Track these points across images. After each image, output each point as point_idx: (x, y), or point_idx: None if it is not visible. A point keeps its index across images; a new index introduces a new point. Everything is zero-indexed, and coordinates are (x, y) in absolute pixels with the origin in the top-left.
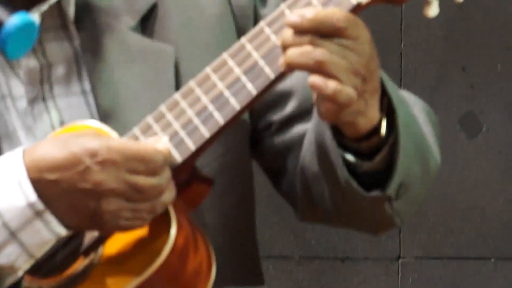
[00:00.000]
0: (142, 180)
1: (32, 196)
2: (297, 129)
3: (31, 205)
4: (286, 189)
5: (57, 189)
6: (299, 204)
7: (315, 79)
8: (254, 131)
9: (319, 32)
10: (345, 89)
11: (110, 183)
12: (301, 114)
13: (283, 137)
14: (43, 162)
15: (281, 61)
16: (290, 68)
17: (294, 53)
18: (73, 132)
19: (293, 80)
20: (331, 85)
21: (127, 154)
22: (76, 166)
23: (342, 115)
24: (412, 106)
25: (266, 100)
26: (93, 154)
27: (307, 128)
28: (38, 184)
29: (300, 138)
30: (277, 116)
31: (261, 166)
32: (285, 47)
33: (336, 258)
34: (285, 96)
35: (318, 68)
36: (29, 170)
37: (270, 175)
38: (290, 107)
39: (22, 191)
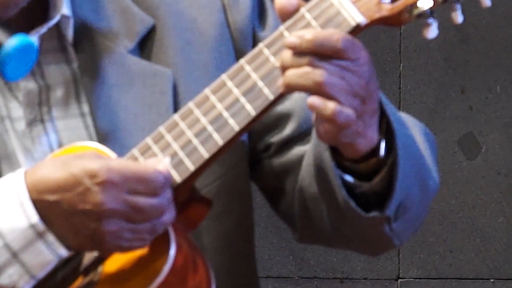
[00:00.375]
0: (143, 201)
1: (34, 217)
2: (296, 150)
3: (32, 226)
4: (284, 210)
5: (58, 210)
6: (298, 225)
7: (314, 100)
8: (253, 152)
9: (318, 53)
10: (344, 110)
11: (110, 204)
12: (300, 136)
13: (281, 159)
14: (44, 183)
15: (280, 82)
16: (289, 89)
17: (293, 74)
18: (74, 153)
19: (292, 102)
20: (330, 106)
21: (127, 175)
22: (76, 187)
23: (341, 136)
24: (411, 127)
25: (265, 121)
26: (93, 175)
27: (305, 150)
28: (39, 205)
29: (299, 160)
30: (276, 137)
31: (259, 187)
32: (284, 68)
33: (335, 279)
34: (284, 118)
35: (317, 89)
36: (31, 191)
37: (268, 196)
38: (289, 129)
39: (24, 212)
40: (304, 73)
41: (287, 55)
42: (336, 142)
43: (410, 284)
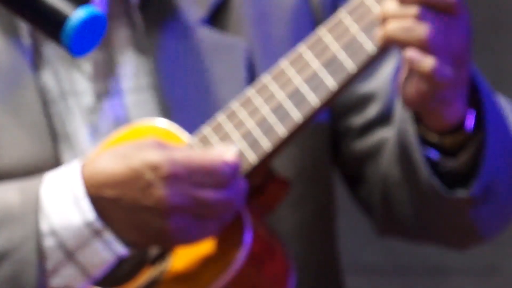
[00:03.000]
0: (209, 195)
1: (90, 214)
2: (378, 134)
3: (89, 224)
4: (364, 197)
5: (118, 206)
6: (378, 215)
7: (413, 53)
8: (334, 135)
9: (428, 4)
10: (442, 69)
11: (175, 199)
12: (383, 119)
13: (362, 143)
14: (102, 178)
15: (380, 33)
16: (389, 42)
17: (395, 26)
18: (134, 143)
19: (376, 83)
20: (429, 61)
21: (192, 167)
22: (138, 182)
23: (431, 100)
24: (505, 107)
25: (347, 102)
26: (155, 168)
27: (388, 134)
28: (97, 201)
29: (380, 145)
30: (358, 119)
31: (340, 172)
32: (385, 19)
33: (428, 271)
34: (367, 99)
35: (418, 46)
36: (87, 187)
37: (349, 181)
38: (372, 111)
39: (80, 209)
40: (409, 26)
41: (391, 4)
42: (423, 107)
43: None
